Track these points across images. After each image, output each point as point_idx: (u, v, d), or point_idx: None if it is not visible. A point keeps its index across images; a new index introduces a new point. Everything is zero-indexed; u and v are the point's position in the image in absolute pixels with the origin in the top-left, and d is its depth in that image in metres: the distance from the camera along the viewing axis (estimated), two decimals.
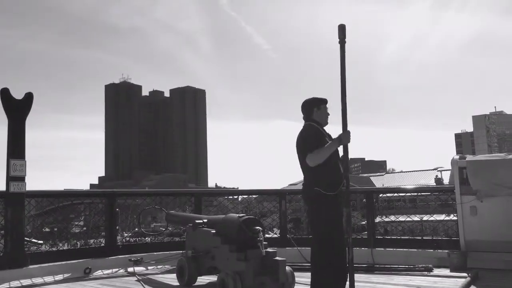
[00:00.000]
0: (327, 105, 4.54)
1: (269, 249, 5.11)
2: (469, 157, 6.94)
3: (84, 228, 8.54)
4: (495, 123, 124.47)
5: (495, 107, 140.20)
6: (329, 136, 4.46)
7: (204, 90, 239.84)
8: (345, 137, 4.20)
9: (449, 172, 7.41)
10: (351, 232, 4.15)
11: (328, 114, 4.53)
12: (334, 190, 4.19)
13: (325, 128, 4.51)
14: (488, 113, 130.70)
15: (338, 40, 4.32)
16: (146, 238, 8.80)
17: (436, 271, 6.16)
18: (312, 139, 4.31)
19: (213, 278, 5.59)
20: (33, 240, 8.44)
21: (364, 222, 9.17)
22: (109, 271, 6.62)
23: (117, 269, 6.69)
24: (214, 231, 5.44)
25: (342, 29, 4.32)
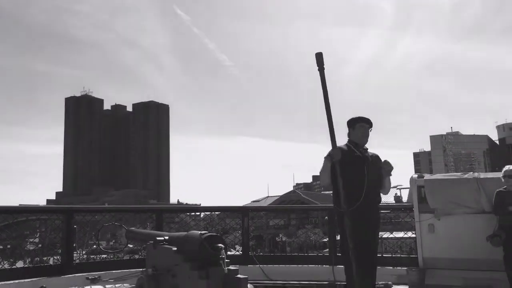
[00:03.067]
0: (367, 124, 4.61)
1: (231, 267, 5.06)
2: (427, 176, 7.14)
3: (40, 245, 8.24)
4: (451, 143, 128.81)
5: (451, 127, 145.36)
6: (364, 153, 4.53)
7: (168, 105, 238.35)
8: (334, 153, 4.32)
9: (408, 190, 7.58)
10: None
11: (365, 131, 4.59)
12: (350, 206, 4.25)
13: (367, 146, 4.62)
14: (445, 133, 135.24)
15: (317, 68, 4.39)
16: (105, 256, 8.57)
17: None
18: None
19: None
20: None
21: (325, 240, 9.23)
22: None
23: None
24: (176, 249, 5.35)
25: (319, 57, 4.40)
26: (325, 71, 4.36)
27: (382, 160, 4.64)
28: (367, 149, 4.65)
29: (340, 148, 4.40)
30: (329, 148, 4.48)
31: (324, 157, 4.37)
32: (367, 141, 4.61)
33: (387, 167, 4.54)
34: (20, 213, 7.96)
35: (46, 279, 6.38)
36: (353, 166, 4.38)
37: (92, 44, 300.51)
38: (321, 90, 4.38)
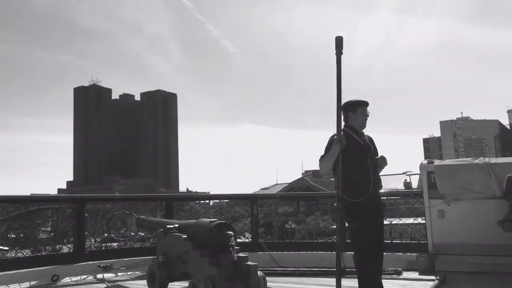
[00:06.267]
0: (367, 108, 4.45)
1: (241, 254, 5.09)
2: (437, 162, 7.10)
3: (52, 234, 8.33)
4: (461, 128, 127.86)
5: (461, 112, 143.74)
6: (365, 140, 4.43)
7: (176, 94, 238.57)
8: (342, 139, 4.18)
9: (417, 176, 7.55)
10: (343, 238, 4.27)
11: (367, 116, 4.43)
12: (358, 197, 4.18)
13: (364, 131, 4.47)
14: (455, 119, 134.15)
15: (334, 52, 4.26)
16: (116, 244, 8.66)
17: (405, 274, 6.27)
18: (327, 147, 4.31)
19: (184, 284, 5.53)
20: None
21: (335, 226, 9.23)
22: (78, 278, 6.48)
23: (86, 276, 6.55)
24: (186, 236, 5.39)
25: (339, 41, 4.28)
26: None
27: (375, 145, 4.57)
28: (363, 133, 4.54)
29: (344, 133, 4.29)
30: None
31: (334, 142, 4.19)
32: (365, 126, 4.51)
33: (382, 164, 4.45)
34: (32, 202, 8.04)
35: (59, 267, 6.46)
36: (357, 154, 4.29)
37: (99, 33, 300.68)
38: (335, 74, 4.24)
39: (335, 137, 4.22)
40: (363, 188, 4.23)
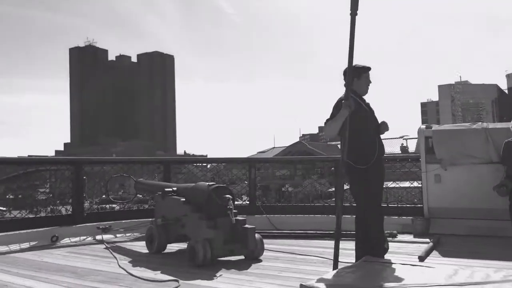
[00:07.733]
0: (370, 73, 4.43)
1: (238, 217, 5.15)
2: (435, 127, 7.09)
3: (51, 195, 8.37)
4: (459, 92, 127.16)
5: (460, 76, 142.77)
6: (368, 105, 4.42)
7: (173, 56, 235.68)
8: (350, 104, 4.12)
9: (414, 141, 7.56)
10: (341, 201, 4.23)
11: (370, 82, 4.42)
12: (365, 163, 4.20)
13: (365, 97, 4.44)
14: (453, 83, 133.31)
15: (349, 12, 4.05)
16: (114, 206, 8.72)
17: (400, 237, 6.36)
18: (334, 111, 4.25)
19: (182, 245, 5.61)
20: None
21: (331, 189, 9.32)
22: (77, 239, 6.56)
23: (85, 237, 6.63)
24: (184, 200, 5.43)
25: (355, 1, 4.08)
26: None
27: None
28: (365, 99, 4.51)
29: (353, 99, 4.22)
30: (335, 98, 4.35)
31: (343, 107, 4.10)
32: (368, 92, 4.47)
33: (384, 130, 4.43)
34: (30, 164, 8.05)
35: (58, 228, 6.53)
36: (363, 120, 4.27)
37: None
38: (349, 36, 4.03)
39: (343, 101, 4.15)
40: (368, 154, 4.24)
